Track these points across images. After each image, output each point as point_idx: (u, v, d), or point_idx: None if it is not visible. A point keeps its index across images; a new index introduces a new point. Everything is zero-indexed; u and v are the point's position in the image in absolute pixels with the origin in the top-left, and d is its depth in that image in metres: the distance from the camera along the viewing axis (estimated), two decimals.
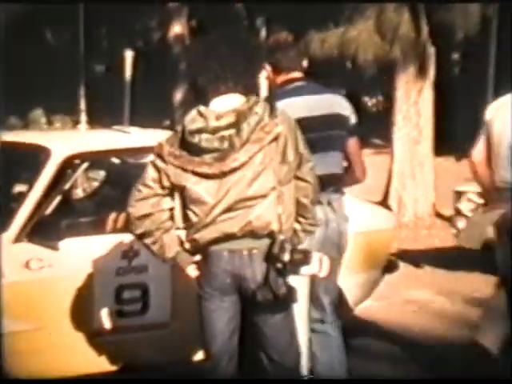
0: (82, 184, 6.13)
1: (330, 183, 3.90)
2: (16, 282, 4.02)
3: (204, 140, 3.25)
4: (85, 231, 4.29)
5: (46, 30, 25.96)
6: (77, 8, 19.92)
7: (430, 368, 4.96)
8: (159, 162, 3.34)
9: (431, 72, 10.57)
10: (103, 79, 25.37)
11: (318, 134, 3.85)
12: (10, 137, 4.95)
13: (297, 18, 13.94)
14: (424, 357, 5.18)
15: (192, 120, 3.29)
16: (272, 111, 3.30)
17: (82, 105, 19.88)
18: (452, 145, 15.39)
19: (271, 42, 4.11)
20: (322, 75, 4.20)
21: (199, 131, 3.26)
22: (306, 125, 3.54)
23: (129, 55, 14.09)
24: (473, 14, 10.16)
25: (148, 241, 3.39)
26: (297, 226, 3.45)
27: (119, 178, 5.15)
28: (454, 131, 16.17)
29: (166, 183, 3.34)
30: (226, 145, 3.24)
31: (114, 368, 4.32)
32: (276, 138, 3.27)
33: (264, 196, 3.28)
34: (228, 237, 3.30)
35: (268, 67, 4.01)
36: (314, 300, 4.02)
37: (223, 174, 3.26)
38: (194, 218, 3.32)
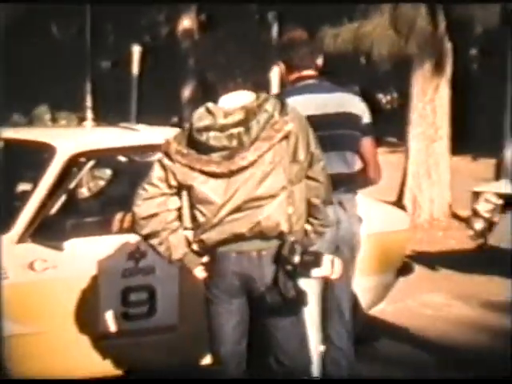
0: (88, 183, 6.16)
1: (341, 183, 3.90)
2: (20, 284, 4.03)
3: (212, 138, 3.25)
4: (90, 231, 4.30)
5: (51, 23, 26.01)
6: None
7: (444, 372, 4.96)
8: (166, 161, 3.34)
9: (448, 68, 10.56)
10: (109, 75, 25.42)
11: (327, 132, 3.85)
12: (14, 134, 4.97)
13: (310, 13, 13.93)
14: (439, 362, 5.17)
15: (200, 117, 3.29)
16: (283, 109, 3.30)
17: (88, 101, 19.92)
18: (469, 143, 15.36)
19: (285, 40, 4.13)
20: (334, 71, 4.20)
21: (207, 129, 3.26)
22: (314, 123, 3.54)
23: (136, 50, 14.11)
24: (492, 8, 10.13)
25: (154, 241, 3.39)
26: (308, 227, 3.45)
27: (126, 176, 5.16)
28: (471, 129, 16.15)
29: (173, 182, 3.34)
30: (234, 143, 3.24)
31: (119, 372, 4.33)
32: (286, 137, 3.27)
33: (274, 196, 3.27)
34: (236, 238, 3.30)
35: (281, 65, 4.03)
36: (331, 306, 4.02)
37: (231, 173, 3.26)
38: (201, 219, 3.32)
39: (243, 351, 3.46)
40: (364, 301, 4.88)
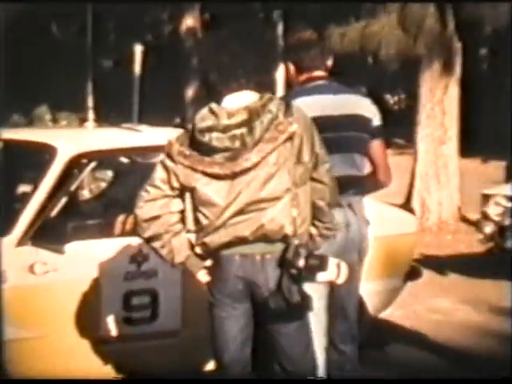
0: (89, 184, 6.17)
1: (350, 185, 3.91)
2: (19, 287, 4.04)
3: (214, 139, 3.26)
4: (91, 234, 4.30)
5: (51, 22, 26.04)
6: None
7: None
8: (168, 162, 3.35)
9: (457, 68, 10.56)
10: (111, 75, 25.45)
11: (335, 134, 3.86)
12: (14, 134, 4.98)
13: (316, 11, 13.93)
14: (447, 367, 5.17)
15: (202, 118, 3.30)
16: (287, 109, 3.30)
17: (90, 102, 19.95)
18: (478, 145, 15.36)
19: (294, 40, 4.15)
20: (341, 72, 4.21)
21: (209, 129, 3.27)
22: (322, 124, 3.55)
23: (138, 49, 14.12)
24: (502, 7, 10.12)
25: (156, 244, 3.40)
26: (313, 231, 3.45)
27: (128, 178, 5.17)
28: (481, 131, 16.15)
29: (176, 184, 3.35)
30: (237, 144, 3.25)
31: (120, 378, 4.34)
32: (291, 138, 3.28)
33: (278, 198, 3.27)
34: (240, 241, 3.31)
35: (290, 65, 4.05)
36: (336, 309, 4.03)
37: (235, 175, 3.27)
38: (204, 221, 3.32)
39: (247, 357, 3.45)
40: (371, 306, 4.89)
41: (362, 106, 4.04)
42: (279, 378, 3.43)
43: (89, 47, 20.91)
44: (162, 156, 3.47)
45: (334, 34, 10.42)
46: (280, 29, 18.73)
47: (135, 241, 4.12)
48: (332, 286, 3.90)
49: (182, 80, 19.74)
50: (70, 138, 4.82)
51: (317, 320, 3.72)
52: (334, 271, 3.34)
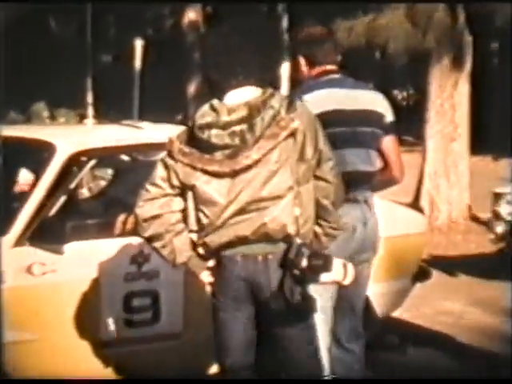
0: (88, 183, 6.17)
1: (364, 181, 3.96)
2: (17, 288, 4.05)
3: (214, 136, 3.26)
4: (91, 234, 4.31)
5: (50, 16, 26.07)
6: None
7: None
8: (169, 160, 3.36)
9: (468, 63, 10.56)
10: (111, 70, 25.47)
11: (351, 128, 3.92)
12: (12, 131, 4.98)
13: (322, 5, 13.93)
14: (456, 371, 5.18)
15: (202, 114, 3.31)
16: (290, 105, 3.30)
17: (89, 98, 19.98)
18: (489, 143, 15.36)
19: (305, 35, 4.17)
20: (347, 67, 4.23)
21: (209, 126, 3.27)
22: (337, 118, 3.59)
23: (139, 44, 14.16)
24: None
25: (157, 244, 3.41)
26: (318, 230, 3.44)
27: (128, 176, 5.18)
28: (492, 128, 16.14)
29: (176, 182, 3.35)
30: (237, 141, 3.24)
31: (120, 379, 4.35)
32: (293, 134, 3.27)
33: (280, 197, 3.27)
34: (241, 241, 3.30)
35: (301, 59, 4.06)
36: (344, 308, 4.04)
37: (235, 173, 3.26)
38: (204, 220, 3.32)
39: (251, 360, 3.45)
40: (378, 308, 4.89)
41: (376, 102, 4.09)
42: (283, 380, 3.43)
43: (88, 42, 20.94)
44: (163, 154, 3.49)
45: (341, 28, 10.41)
46: (285, 23, 18.74)
47: (136, 241, 4.14)
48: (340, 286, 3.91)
49: (184, 75, 19.74)
50: (69, 136, 4.84)
51: (322, 319, 3.73)
52: (341, 272, 3.33)
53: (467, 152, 10.70)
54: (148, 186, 3.38)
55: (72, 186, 4.62)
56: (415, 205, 10.02)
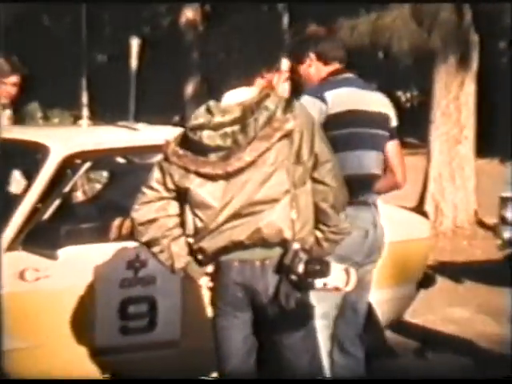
0: (83, 186, 6.17)
1: (373, 184, 3.98)
2: (9, 294, 4.04)
3: (205, 137, 3.26)
4: (86, 238, 4.30)
5: (43, 14, 26.09)
6: None
7: None
8: (164, 162, 3.37)
9: (474, 63, 10.57)
10: (106, 70, 25.49)
11: (364, 129, 3.98)
12: (4, 133, 4.99)
13: (323, 3, 13.94)
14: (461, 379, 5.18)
15: (196, 115, 3.32)
16: (287, 106, 3.28)
17: (84, 98, 19.98)
18: (496, 145, 15.35)
19: (312, 33, 4.19)
20: (350, 67, 4.24)
21: (201, 127, 3.27)
22: (357, 118, 3.64)
23: (135, 43, 14.15)
24: None
25: (155, 249, 3.41)
26: (319, 235, 3.42)
27: (124, 179, 5.18)
28: (499, 130, 16.12)
29: (171, 185, 3.35)
30: (229, 142, 3.24)
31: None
32: (287, 136, 3.25)
33: (275, 200, 3.26)
34: (236, 245, 3.30)
35: (312, 56, 4.07)
36: (347, 313, 4.05)
37: (228, 175, 3.26)
38: (199, 224, 3.31)
39: (251, 368, 3.45)
40: (381, 315, 4.89)
41: (386, 105, 4.16)
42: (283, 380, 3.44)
43: (83, 41, 20.95)
44: (159, 156, 3.49)
45: (344, 27, 10.43)
46: (285, 21, 18.76)
47: (132, 246, 4.14)
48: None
49: (182, 76, 19.77)
50: (63, 137, 4.83)
51: (323, 324, 3.74)
52: (342, 278, 3.31)
53: (473, 154, 10.71)
54: (144, 189, 3.39)
55: (66, 189, 4.62)
56: (419, 209, 10.03)
